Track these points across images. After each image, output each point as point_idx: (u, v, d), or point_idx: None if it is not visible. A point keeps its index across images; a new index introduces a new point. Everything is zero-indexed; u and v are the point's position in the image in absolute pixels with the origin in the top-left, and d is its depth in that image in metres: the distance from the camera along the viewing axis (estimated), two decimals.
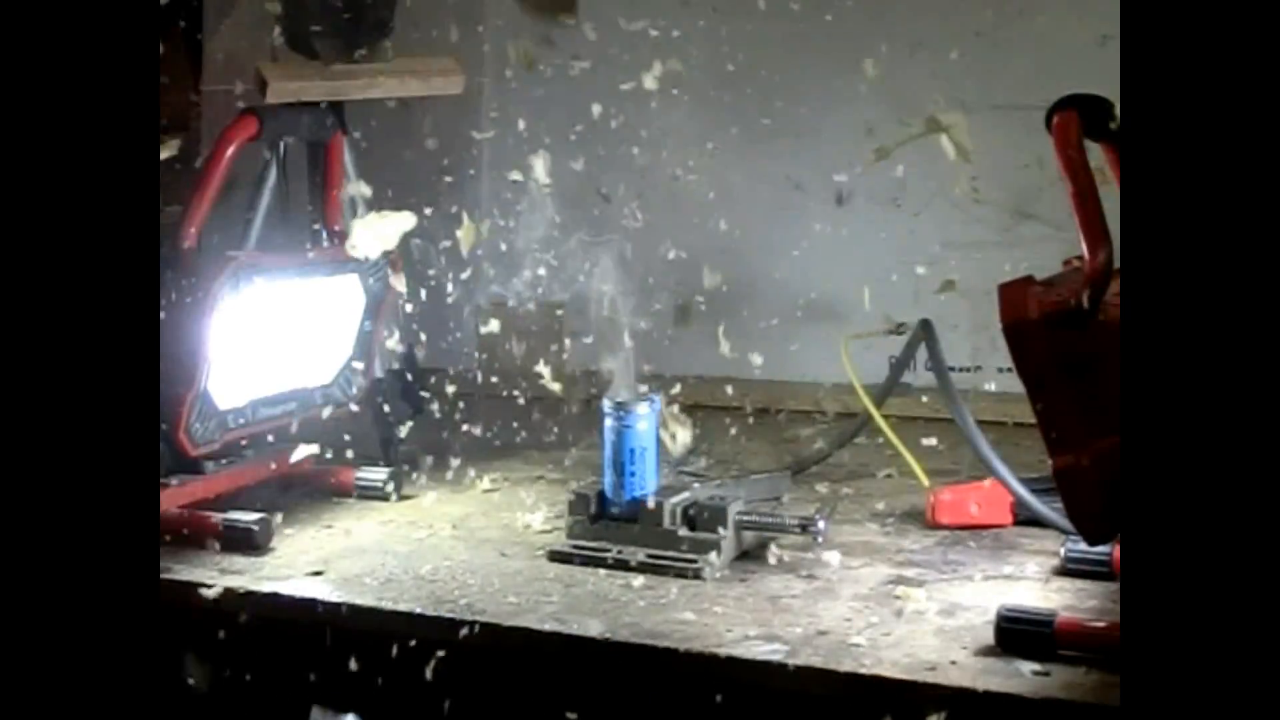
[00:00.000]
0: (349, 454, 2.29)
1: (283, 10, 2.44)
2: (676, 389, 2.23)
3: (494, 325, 2.82)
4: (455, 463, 2.36)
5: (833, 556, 1.87)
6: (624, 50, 2.51)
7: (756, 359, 2.46)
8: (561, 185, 2.16)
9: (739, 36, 2.82)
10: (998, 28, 2.71)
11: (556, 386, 2.14)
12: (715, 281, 2.57)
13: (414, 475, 2.31)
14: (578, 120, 2.61)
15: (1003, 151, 2.61)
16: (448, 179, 2.82)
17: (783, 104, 2.82)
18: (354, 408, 2.30)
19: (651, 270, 2.40)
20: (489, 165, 3.00)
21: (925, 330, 2.15)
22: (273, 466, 2.17)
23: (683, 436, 1.96)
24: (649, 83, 2.29)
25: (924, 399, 2.45)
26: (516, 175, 2.09)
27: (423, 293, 2.63)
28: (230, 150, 2.06)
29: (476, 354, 2.98)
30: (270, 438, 2.17)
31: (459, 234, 2.20)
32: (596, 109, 2.52)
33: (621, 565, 1.87)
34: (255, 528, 1.95)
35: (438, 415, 2.54)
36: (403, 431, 2.47)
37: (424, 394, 2.64)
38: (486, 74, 3.00)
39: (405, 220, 2.16)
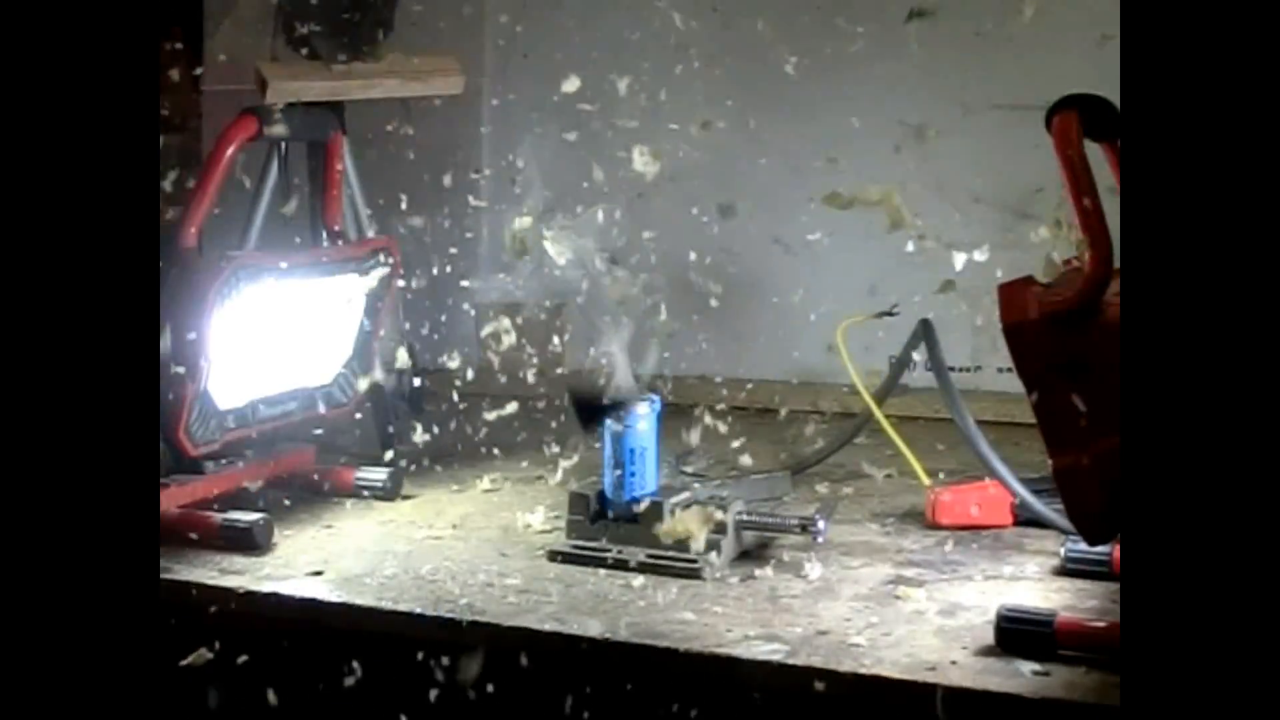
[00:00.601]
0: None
1: (283, 10, 2.45)
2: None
3: (494, 325, 2.82)
4: (455, 463, 2.36)
5: (814, 569, 1.87)
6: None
7: (756, 360, 2.47)
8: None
9: (740, 35, 2.82)
10: (998, 28, 2.71)
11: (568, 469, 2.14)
12: (715, 282, 2.56)
13: (413, 471, 2.31)
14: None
15: (1003, 151, 2.61)
16: (446, 180, 2.82)
17: (785, 86, 2.82)
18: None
19: (651, 266, 2.40)
20: (488, 161, 3.00)
21: (925, 330, 2.15)
22: (274, 466, 2.18)
23: (699, 536, 1.89)
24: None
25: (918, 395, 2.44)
26: (526, 219, 2.08)
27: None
28: (230, 150, 2.06)
29: (477, 354, 2.98)
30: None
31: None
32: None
33: (621, 565, 1.87)
34: (255, 528, 1.95)
35: (437, 415, 2.54)
36: (402, 431, 2.48)
37: (424, 393, 2.64)
38: (486, 74, 3.00)
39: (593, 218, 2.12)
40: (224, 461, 2.10)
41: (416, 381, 2.63)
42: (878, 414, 2.18)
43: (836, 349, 2.21)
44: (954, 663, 1.56)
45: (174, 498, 2.01)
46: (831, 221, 2.80)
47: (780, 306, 2.85)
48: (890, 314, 2.28)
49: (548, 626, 1.68)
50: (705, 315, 2.76)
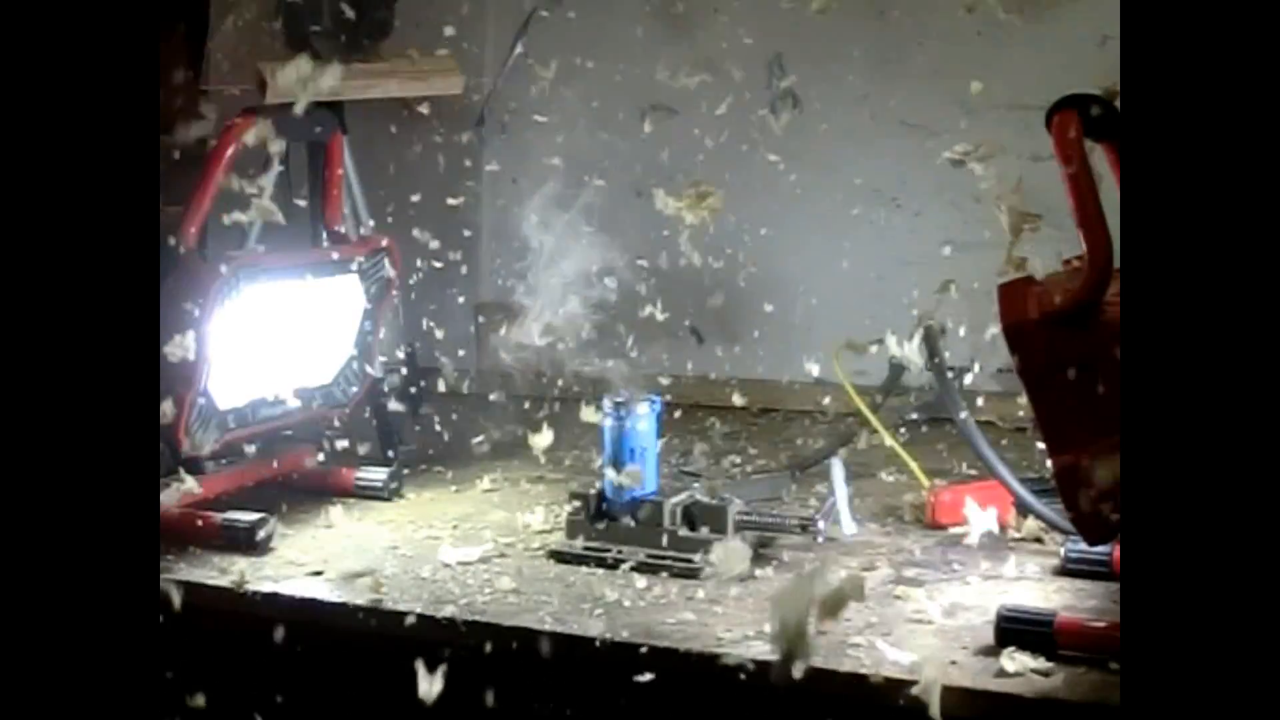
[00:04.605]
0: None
1: (283, 10, 2.45)
2: None
3: (493, 325, 2.82)
4: (455, 463, 2.36)
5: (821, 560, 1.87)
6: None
7: (756, 360, 2.47)
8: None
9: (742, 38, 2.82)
10: (998, 28, 2.71)
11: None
12: (718, 284, 2.57)
13: (413, 471, 2.31)
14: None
15: (1003, 151, 2.61)
16: (445, 181, 2.82)
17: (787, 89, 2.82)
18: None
19: (654, 274, 2.40)
20: (488, 161, 3.00)
21: (925, 331, 2.14)
22: (274, 466, 2.17)
23: None
24: None
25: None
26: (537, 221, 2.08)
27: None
28: (230, 150, 2.06)
29: (476, 354, 2.98)
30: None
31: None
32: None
33: (621, 565, 1.87)
34: (255, 528, 1.95)
35: (437, 415, 2.54)
36: (402, 431, 2.48)
37: (423, 393, 2.64)
38: (486, 74, 3.00)
39: None
40: (224, 461, 2.10)
41: (416, 381, 2.62)
42: (875, 422, 2.17)
43: (834, 370, 2.21)
44: (954, 663, 1.56)
45: (174, 498, 2.00)
46: (834, 220, 2.81)
47: (782, 306, 2.85)
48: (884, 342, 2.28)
49: (548, 626, 1.68)
50: (706, 315, 2.76)
